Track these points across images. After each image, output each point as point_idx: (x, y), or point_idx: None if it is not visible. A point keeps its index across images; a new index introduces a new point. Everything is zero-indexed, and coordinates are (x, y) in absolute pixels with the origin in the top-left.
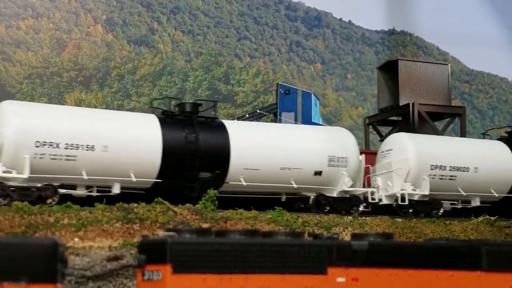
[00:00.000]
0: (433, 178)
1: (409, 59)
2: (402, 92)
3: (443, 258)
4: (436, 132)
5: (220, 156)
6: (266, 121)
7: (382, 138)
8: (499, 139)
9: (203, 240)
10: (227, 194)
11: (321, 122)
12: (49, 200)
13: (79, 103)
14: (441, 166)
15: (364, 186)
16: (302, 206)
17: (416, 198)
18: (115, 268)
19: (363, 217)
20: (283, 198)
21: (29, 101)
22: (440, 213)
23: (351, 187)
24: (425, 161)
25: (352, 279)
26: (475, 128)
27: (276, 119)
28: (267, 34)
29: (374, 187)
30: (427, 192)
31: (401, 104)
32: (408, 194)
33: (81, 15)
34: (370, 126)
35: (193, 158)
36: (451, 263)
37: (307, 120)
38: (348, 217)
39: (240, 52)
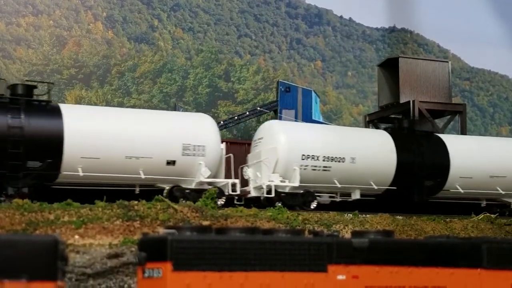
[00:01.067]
0: (304, 169)
1: (409, 57)
2: (402, 89)
3: (444, 255)
4: (437, 129)
5: (51, 143)
6: (267, 119)
7: None
8: (385, 129)
9: (203, 237)
10: (64, 186)
11: (321, 120)
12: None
13: (79, 100)
14: (313, 156)
15: (236, 178)
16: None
17: (287, 190)
18: (115, 266)
19: (364, 215)
20: (137, 190)
21: None
22: (313, 207)
23: (209, 177)
24: (296, 151)
25: (352, 276)
26: (475, 125)
27: (276, 116)
28: (268, 32)
29: (246, 179)
30: (297, 184)
31: (401, 101)
32: (277, 186)
33: (81, 12)
34: (371, 124)
35: (17, 146)
36: (452, 261)
37: (307, 117)
38: (349, 214)
39: (241, 50)
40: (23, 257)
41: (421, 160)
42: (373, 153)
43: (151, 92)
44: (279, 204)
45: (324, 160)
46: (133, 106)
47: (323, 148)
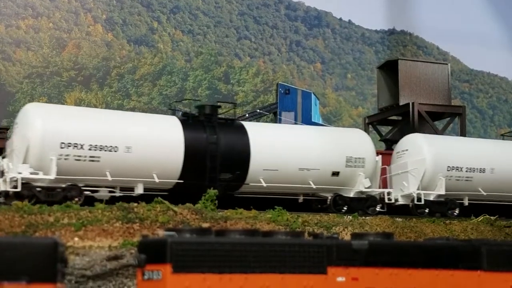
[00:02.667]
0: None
1: (409, 59)
2: (402, 91)
3: (443, 257)
4: (436, 131)
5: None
6: (266, 121)
7: (382, 138)
8: (183, 115)
9: (203, 239)
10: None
11: (321, 122)
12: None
13: (79, 102)
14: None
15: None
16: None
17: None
18: (115, 268)
19: (363, 217)
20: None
21: (29, 100)
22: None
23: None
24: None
25: (352, 278)
26: (475, 127)
27: (276, 118)
28: (267, 34)
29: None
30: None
31: (401, 103)
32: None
33: (81, 15)
34: (370, 126)
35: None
36: (451, 263)
37: (306, 119)
38: (348, 216)
39: (240, 52)
40: (23, 259)
41: (214, 150)
42: (154, 141)
43: (150, 94)
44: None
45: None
46: (133, 109)
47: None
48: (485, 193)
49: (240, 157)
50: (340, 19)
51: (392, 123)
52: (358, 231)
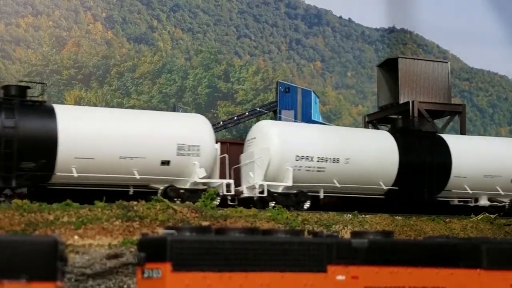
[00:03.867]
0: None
1: (409, 57)
2: (402, 90)
3: (443, 256)
4: (436, 130)
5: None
6: (266, 119)
7: None
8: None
9: (203, 238)
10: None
11: (321, 120)
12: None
13: (78, 101)
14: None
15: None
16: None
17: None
18: (114, 266)
19: (363, 215)
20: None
21: None
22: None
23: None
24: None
25: (352, 277)
26: (475, 126)
27: (276, 117)
28: (267, 32)
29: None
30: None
31: (401, 102)
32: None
33: (81, 13)
34: (370, 124)
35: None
36: (451, 261)
37: (306, 118)
38: (348, 215)
39: (240, 50)
40: (23, 257)
41: (11, 135)
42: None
43: (150, 92)
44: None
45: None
46: (133, 107)
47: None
48: (339, 185)
49: (44, 144)
50: (340, 17)
51: (392, 121)
52: (358, 229)
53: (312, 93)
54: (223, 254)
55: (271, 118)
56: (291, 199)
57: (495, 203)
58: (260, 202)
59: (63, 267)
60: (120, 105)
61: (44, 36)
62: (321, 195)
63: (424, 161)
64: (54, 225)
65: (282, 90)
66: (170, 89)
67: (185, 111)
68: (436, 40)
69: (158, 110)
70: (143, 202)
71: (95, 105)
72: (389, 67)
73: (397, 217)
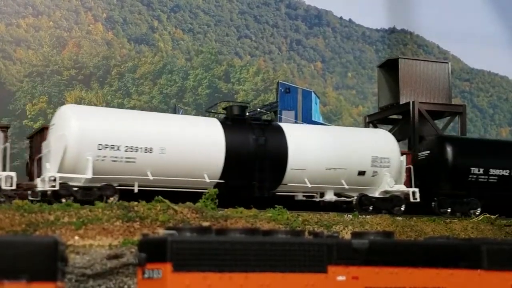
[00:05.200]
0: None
1: (409, 58)
2: (402, 90)
3: (444, 256)
4: (436, 130)
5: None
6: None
7: None
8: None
9: (203, 238)
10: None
11: (321, 121)
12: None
13: (79, 101)
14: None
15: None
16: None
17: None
18: (115, 267)
19: (363, 216)
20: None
21: (29, 99)
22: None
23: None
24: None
25: (352, 277)
26: (475, 126)
27: (276, 117)
28: (268, 33)
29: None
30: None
31: (401, 102)
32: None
33: (82, 14)
34: (371, 125)
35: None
36: (452, 262)
37: (307, 118)
38: (348, 215)
39: (240, 51)
40: (23, 257)
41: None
42: None
43: (151, 93)
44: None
45: None
46: (133, 107)
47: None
48: (152, 178)
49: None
50: (341, 18)
51: (392, 122)
52: (358, 230)
53: (313, 93)
54: (224, 255)
55: (271, 119)
56: (95, 193)
57: (343, 198)
58: (54, 197)
59: (63, 268)
60: (120, 106)
61: (45, 37)
62: (136, 189)
63: (255, 152)
64: (54, 226)
65: (282, 90)
66: (171, 90)
67: (186, 112)
68: (437, 40)
69: (158, 110)
70: (144, 202)
71: (95, 105)
72: (390, 68)
73: (397, 217)
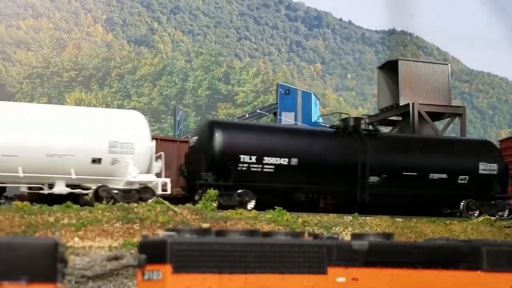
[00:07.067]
0: None
1: (409, 59)
2: (402, 92)
3: (443, 258)
4: (436, 132)
5: None
6: (266, 121)
7: None
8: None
9: (203, 240)
10: None
11: (321, 122)
12: None
13: (79, 103)
14: None
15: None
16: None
17: None
18: (115, 268)
19: (363, 217)
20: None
21: (29, 101)
22: None
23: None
24: None
25: (352, 279)
26: (475, 127)
27: (276, 119)
28: (267, 34)
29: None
30: None
31: (401, 104)
32: None
33: (81, 15)
34: (370, 126)
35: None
36: (451, 263)
37: (307, 120)
38: (348, 217)
39: (240, 52)
40: (23, 259)
41: None
42: None
43: (151, 94)
44: None
45: None
46: (133, 109)
47: None
48: None
49: None
50: (340, 19)
51: (392, 123)
52: (358, 231)
53: (312, 95)
54: (223, 256)
55: (272, 120)
56: None
57: (79, 190)
58: None
59: (63, 269)
60: (120, 107)
61: (45, 38)
62: None
63: None
64: (54, 227)
65: (282, 92)
66: (171, 91)
67: (186, 113)
68: (436, 42)
69: (158, 112)
70: (144, 204)
71: (95, 106)
72: (389, 69)
73: (397, 219)
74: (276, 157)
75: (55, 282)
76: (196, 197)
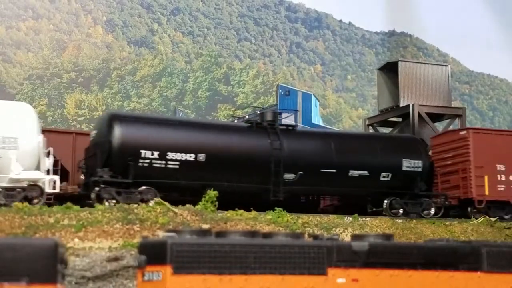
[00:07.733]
0: None
1: (409, 60)
2: (402, 93)
3: (443, 259)
4: (436, 133)
5: None
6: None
7: None
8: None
9: (203, 241)
10: None
11: (321, 123)
12: None
13: (79, 104)
14: None
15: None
16: None
17: None
18: (115, 269)
19: (363, 218)
20: None
21: (29, 102)
22: None
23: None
24: None
25: (352, 280)
26: None
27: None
28: (267, 35)
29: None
30: None
31: (401, 105)
32: None
33: (81, 16)
34: (370, 127)
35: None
36: (451, 264)
37: (307, 121)
38: (348, 218)
39: (240, 53)
40: (23, 260)
41: None
42: None
43: (151, 95)
44: None
45: None
46: (133, 110)
47: None
48: None
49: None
50: (340, 20)
51: (392, 124)
52: (358, 232)
53: (313, 96)
54: (223, 257)
55: None
56: None
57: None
58: None
59: (63, 270)
60: (120, 108)
61: (45, 40)
62: None
63: None
64: (54, 228)
65: (282, 93)
66: (171, 92)
67: (186, 114)
68: (436, 43)
69: (158, 113)
70: (144, 205)
71: (95, 108)
72: (390, 71)
73: (397, 220)
74: (181, 152)
75: (55, 283)
76: (92, 195)
